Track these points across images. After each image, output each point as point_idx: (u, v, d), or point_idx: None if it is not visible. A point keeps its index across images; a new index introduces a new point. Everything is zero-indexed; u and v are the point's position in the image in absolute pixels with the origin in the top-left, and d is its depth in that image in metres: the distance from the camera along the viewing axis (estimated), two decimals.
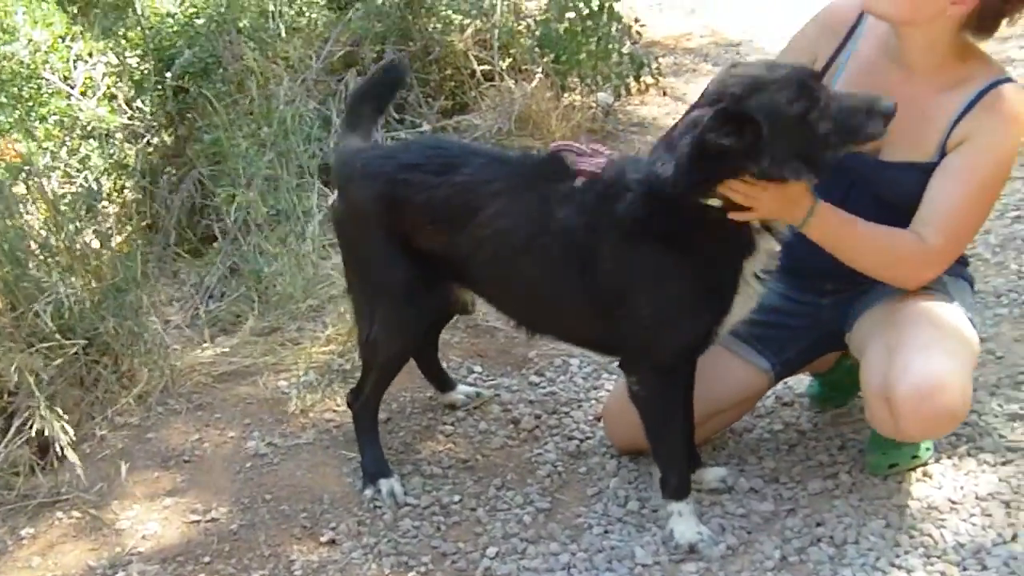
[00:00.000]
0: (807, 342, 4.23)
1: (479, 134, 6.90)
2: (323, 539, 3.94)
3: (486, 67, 7.38)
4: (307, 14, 7.21)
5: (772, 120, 3.36)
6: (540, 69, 7.28)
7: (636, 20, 7.42)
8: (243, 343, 5.01)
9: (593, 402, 4.73)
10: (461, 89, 7.37)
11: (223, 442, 4.41)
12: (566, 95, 7.25)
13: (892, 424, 3.74)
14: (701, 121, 3.35)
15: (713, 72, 8.34)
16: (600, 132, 7.20)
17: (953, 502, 3.96)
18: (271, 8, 6.94)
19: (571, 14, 7.16)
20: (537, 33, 7.22)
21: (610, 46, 7.22)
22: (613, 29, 7.22)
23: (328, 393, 4.65)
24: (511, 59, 7.54)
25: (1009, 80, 3.72)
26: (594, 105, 7.33)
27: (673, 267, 3.62)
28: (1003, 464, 4.10)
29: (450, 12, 7.37)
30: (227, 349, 4.99)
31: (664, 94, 7.73)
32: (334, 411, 4.58)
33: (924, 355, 3.65)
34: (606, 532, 4.00)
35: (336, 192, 4.10)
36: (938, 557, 3.73)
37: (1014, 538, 3.77)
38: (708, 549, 3.83)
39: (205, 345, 5.09)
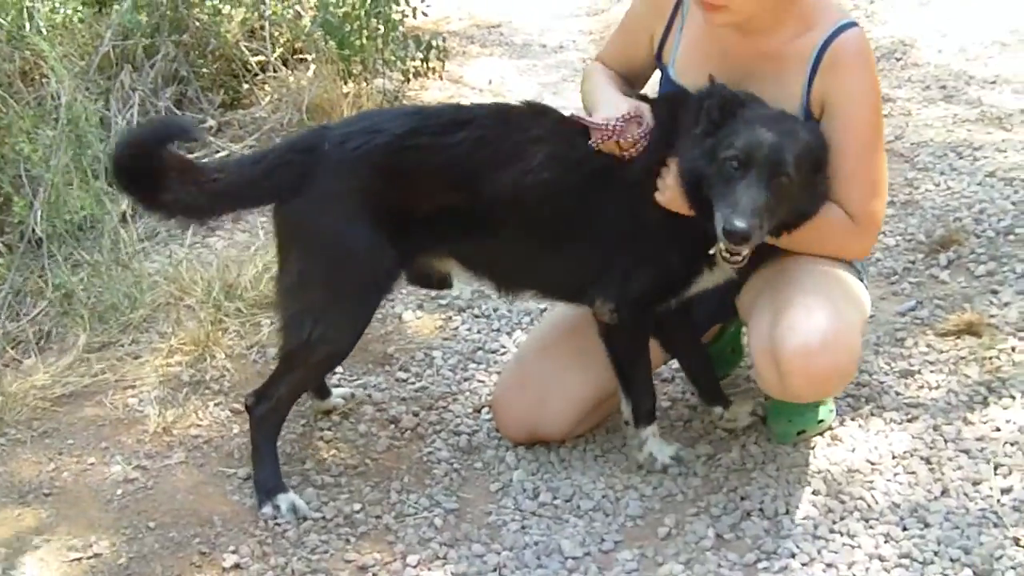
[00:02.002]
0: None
1: (268, 127, 6.55)
2: (226, 564, 3.59)
3: (262, 58, 7.05)
4: (62, 11, 6.68)
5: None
6: (312, 57, 6.99)
7: (423, 1, 7.15)
8: (77, 361, 4.55)
9: (468, 394, 4.52)
10: (239, 81, 7.01)
11: (83, 470, 3.99)
12: (351, 82, 6.95)
13: (779, 384, 3.67)
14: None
15: (483, 54, 8.26)
16: None
17: (872, 463, 3.92)
18: (27, 4, 6.42)
19: None
20: (316, 19, 6.87)
21: (392, 30, 6.96)
22: (393, 12, 6.96)
23: (188, 408, 4.27)
24: (283, 48, 7.23)
25: (849, 25, 3.69)
26: (375, 92, 7.03)
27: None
28: (909, 421, 4.08)
29: (216, 1, 6.97)
30: (59, 369, 4.52)
31: (441, 78, 7.48)
32: (198, 426, 4.22)
33: (810, 313, 3.58)
34: (523, 528, 3.80)
35: (277, 191, 3.75)
36: (876, 519, 3.67)
37: (944, 493, 3.74)
38: (688, 454, 4.04)
39: (31, 367, 4.60)
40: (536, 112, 3.88)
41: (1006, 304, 4.60)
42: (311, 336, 3.73)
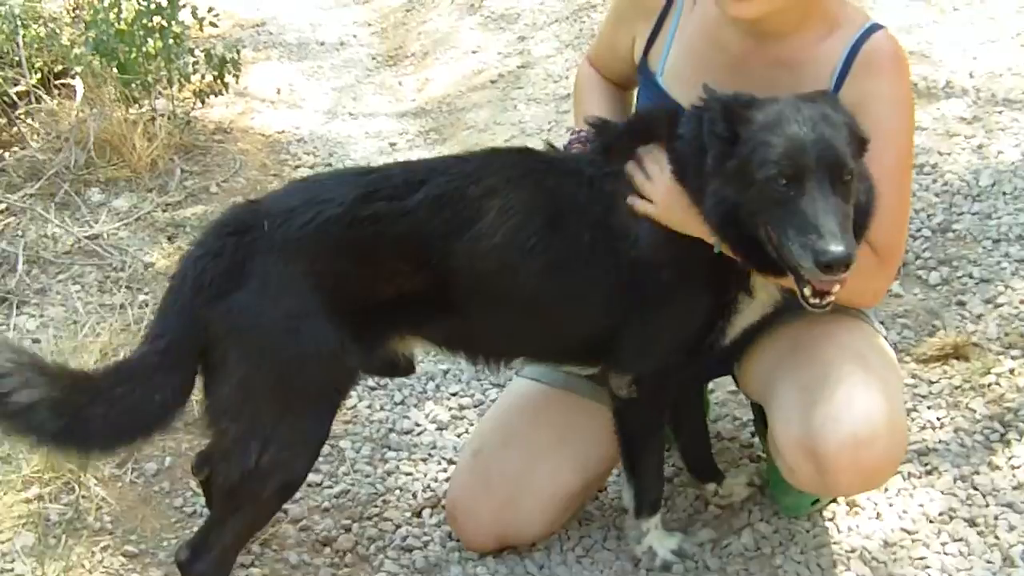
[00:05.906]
0: None
1: (52, 171, 5.58)
2: None
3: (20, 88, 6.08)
4: None
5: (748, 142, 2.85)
6: (82, 82, 6.06)
7: (210, 10, 6.27)
8: None
9: (398, 492, 3.82)
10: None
11: None
12: (133, 108, 6.03)
13: (819, 481, 3.12)
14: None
15: (259, 59, 7.41)
16: (188, 147, 6.03)
17: (909, 532, 3.43)
18: None
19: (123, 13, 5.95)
20: (87, 38, 5.91)
21: (178, 44, 6.07)
22: (174, 25, 6.05)
23: (71, 559, 3.40)
24: (39, 73, 6.25)
25: (876, 27, 3.13)
26: (157, 115, 6.10)
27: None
28: (929, 474, 3.59)
29: None
30: None
31: (221, 93, 6.53)
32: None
33: (852, 395, 3.05)
34: None
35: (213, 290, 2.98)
36: None
37: (1007, 562, 3.24)
38: (690, 546, 3.47)
39: None
40: (497, 154, 3.27)
41: (979, 317, 4.15)
42: (260, 462, 2.99)
